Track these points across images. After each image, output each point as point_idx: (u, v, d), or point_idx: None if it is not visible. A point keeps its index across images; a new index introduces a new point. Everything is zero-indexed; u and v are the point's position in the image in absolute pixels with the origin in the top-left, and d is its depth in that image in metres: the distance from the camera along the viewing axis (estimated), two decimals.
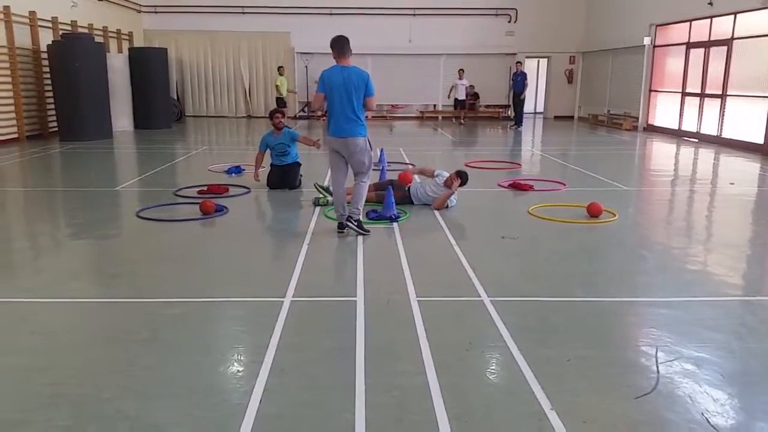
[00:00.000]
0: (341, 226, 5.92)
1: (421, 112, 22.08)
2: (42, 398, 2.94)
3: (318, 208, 6.97)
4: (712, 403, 2.91)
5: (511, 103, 19.82)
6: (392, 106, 22.07)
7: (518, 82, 18.31)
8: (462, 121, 20.01)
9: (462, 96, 19.81)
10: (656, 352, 3.42)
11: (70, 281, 4.68)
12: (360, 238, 5.77)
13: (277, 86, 18.42)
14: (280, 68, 19.23)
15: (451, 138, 16.25)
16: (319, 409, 2.84)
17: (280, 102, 18.19)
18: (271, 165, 8.39)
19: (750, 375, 3.26)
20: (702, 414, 2.81)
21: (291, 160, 8.35)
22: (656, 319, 3.96)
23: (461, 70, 19.87)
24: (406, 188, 7.20)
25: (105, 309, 4.18)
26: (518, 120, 18.43)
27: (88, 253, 5.61)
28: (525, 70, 18.84)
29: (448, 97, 20.17)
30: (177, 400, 2.93)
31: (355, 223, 5.84)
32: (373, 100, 5.91)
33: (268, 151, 8.43)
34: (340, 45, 5.88)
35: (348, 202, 6.00)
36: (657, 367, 3.25)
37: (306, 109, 21.78)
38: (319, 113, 5.97)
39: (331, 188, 7.18)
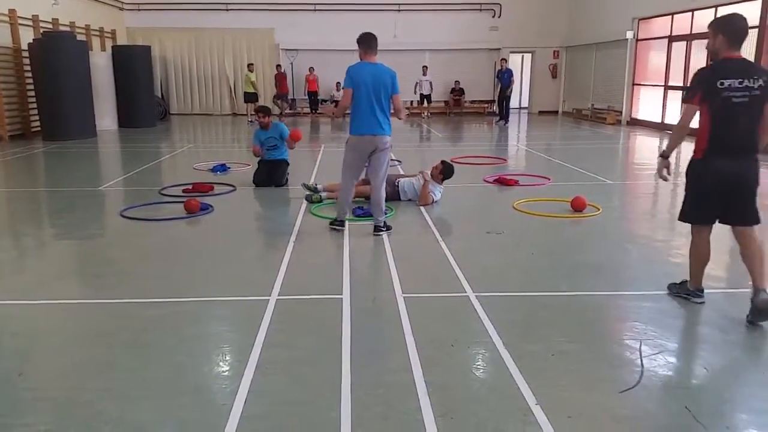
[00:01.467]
0: (341, 224, 5.88)
1: (406, 107, 22.05)
2: (23, 401, 2.91)
3: (304, 206, 6.95)
4: (696, 395, 2.94)
5: (496, 99, 19.77)
6: None
7: (504, 78, 18.24)
8: (428, 114, 20.82)
9: (426, 91, 20.46)
10: (640, 346, 3.44)
11: (52, 282, 4.63)
12: (347, 236, 5.76)
13: (252, 82, 18.53)
14: (250, 65, 19.22)
15: (437, 133, 16.27)
16: (304, 407, 2.84)
17: (253, 96, 18.43)
18: (259, 162, 8.35)
19: (733, 367, 3.29)
20: (686, 407, 2.83)
21: (279, 156, 8.31)
22: (640, 313, 3.98)
23: (425, 67, 20.44)
24: (396, 183, 7.19)
25: (88, 310, 4.14)
26: (505, 116, 18.39)
27: (72, 254, 5.55)
28: (510, 67, 18.77)
29: (414, 92, 20.51)
30: (161, 401, 2.90)
31: (385, 229, 5.77)
32: (400, 99, 5.69)
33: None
34: (368, 41, 5.64)
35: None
36: (641, 360, 3.27)
37: (293, 106, 21.72)
38: (338, 112, 5.67)
39: (318, 185, 7.18)
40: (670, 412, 2.81)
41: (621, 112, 18.04)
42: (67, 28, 16.02)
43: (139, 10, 20.76)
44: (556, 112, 22.46)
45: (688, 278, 4.16)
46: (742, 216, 3.85)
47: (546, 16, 21.53)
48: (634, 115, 17.82)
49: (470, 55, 21.91)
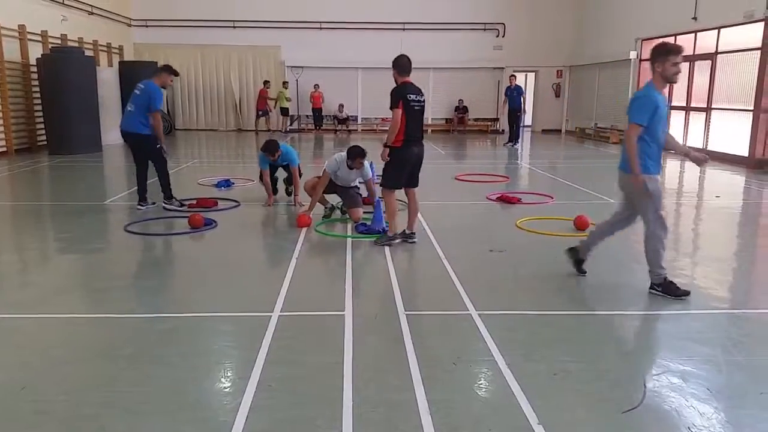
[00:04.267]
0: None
1: None
2: (25, 415, 2.91)
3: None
4: (699, 417, 2.93)
5: (506, 118, 18.29)
6: (382, 119, 22.17)
7: (514, 97, 17.08)
8: None
9: None
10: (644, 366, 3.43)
11: (57, 296, 4.64)
12: (348, 252, 5.77)
13: (287, 98, 20.46)
14: (285, 83, 20.76)
15: (441, 151, 16.31)
16: (305, 425, 2.83)
17: (285, 111, 20.54)
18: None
19: (736, 388, 3.28)
20: (689, 428, 2.82)
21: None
22: (644, 333, 3.98)
23: None
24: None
25: (92, 324, 4.15)
26: (514, 137, 17.35)
27: (76, 268, 5.57)
28: (519, 84, 17.75)
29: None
30: (163, 416, 2.90)
31: (659, 289, 4.61)
32: (631, 129, 4.50)
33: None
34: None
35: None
36: (644, 381, 3.27)
37: (298, 123, 21.86)
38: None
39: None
40: None
41: (624, 131, 18.05)
42: (76, 44, 16.20)
43: (146, 26, 20.97)
44: (560, 130, 22.54)
45: (388, 229, 6.04)
46: (416, 181, 6.10)
47: (550, 36, 21.68)
48: None
49: (474, 73, 22.05)
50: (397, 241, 5.99)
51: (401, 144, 5.79)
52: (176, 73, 8.04)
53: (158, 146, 7.76)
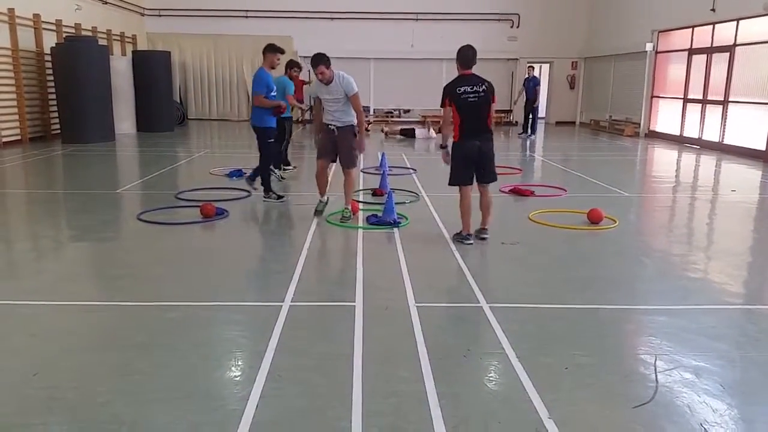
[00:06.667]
0: None
1: (423, 116, 22.09)
2: (38, 402, 2.93)
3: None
4: (711, 413, 2.90)
5: (522, 110, 18.00)
6: (386, 113, 22.12)
7: (529, 87, 17.13)
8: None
9: None
10: (655, 361, 3.40)
11: (70, 284, 4.68)
12: (360, 243, 5.75)
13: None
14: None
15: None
16: (315, 415, 2.83)
17: None
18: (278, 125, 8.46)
19: (750, 385, 3.24)
20: (701, 425, 2.79)
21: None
22: (656, 327, 3.94)
23: None
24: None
25: (104, 312, 4.18)
26: (531, 128, 17.21)
27: (89, 256, 5.61)
28: (536, 75, 17.61)
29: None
30: (173, 404, 2.92)
31: None
32: None
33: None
34: None
35: None
36: (656, 376, 3.24)
37: (310, 113, 21.85)
38: None
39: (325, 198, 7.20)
40: (683, 429, 2.77)
41: (639, 124, 17.90)
42: (89, 33, 16.26)
43: (159, 15, 21.00)
44: (574, 122, 22.36)
45: (462, 228, 5.86)
46: (488, 177, 5.97)
47: (565, 27, 21.48)
48: (652, 128, 17.68)
49: (488, 64, 21.78)
50: (471, 241, 5.76)
51: (458, 138, 5.76)
52: (279, 50, 8.04)
53: (269, 141, 7.78)
